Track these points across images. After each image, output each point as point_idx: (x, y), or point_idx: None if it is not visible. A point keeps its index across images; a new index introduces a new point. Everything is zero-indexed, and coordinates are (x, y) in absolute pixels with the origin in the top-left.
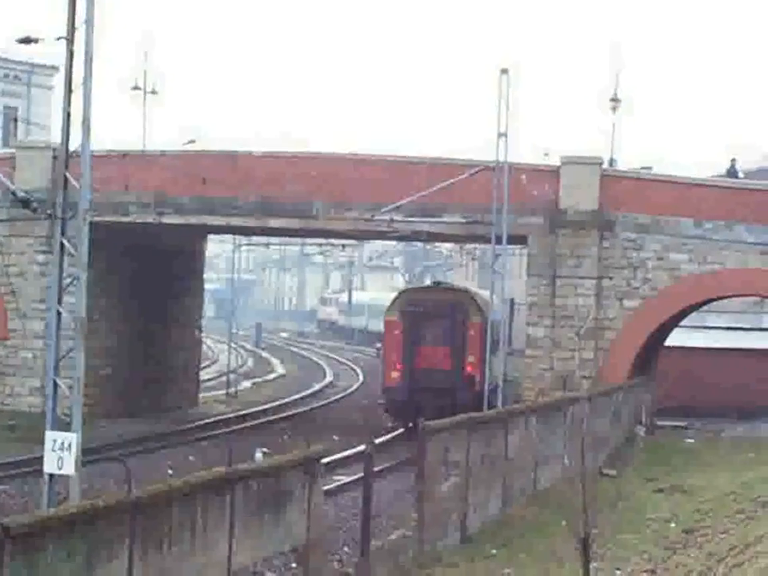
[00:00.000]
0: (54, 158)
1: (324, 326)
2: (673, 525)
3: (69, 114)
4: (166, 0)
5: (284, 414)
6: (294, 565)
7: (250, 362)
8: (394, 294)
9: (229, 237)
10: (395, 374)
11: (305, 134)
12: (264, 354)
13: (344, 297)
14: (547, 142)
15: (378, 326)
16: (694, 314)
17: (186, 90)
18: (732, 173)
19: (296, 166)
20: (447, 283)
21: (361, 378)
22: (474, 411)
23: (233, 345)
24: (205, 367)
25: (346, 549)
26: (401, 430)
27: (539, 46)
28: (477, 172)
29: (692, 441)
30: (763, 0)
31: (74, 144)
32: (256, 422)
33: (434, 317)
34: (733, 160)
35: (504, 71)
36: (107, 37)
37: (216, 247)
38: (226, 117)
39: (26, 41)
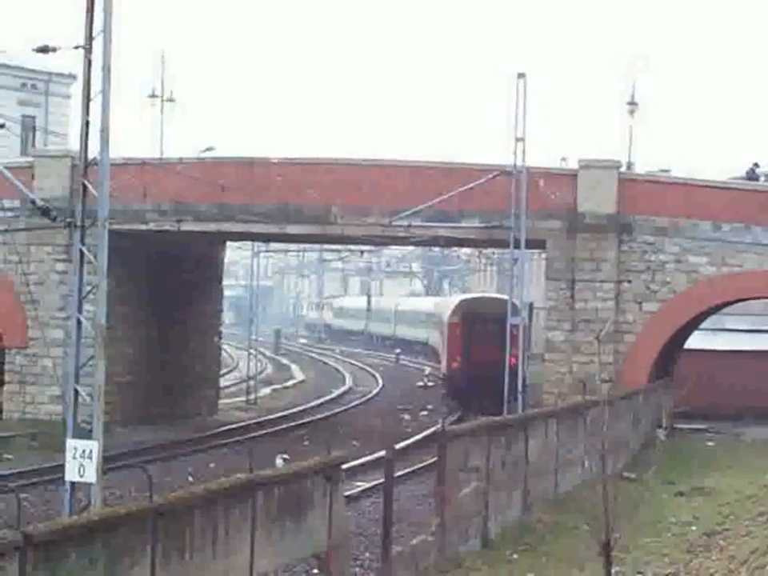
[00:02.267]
0: (73, 166)
1: (313, 329)
2: (694, 528)
3: (87, 123)
4: (181, 11)
5: (304, 420)
6: (315, 571)
7: (270, 369)
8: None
9: (247, 243)
10: (455, 364)
11: (320, 142)
12: (284, 361)
13: (337, 301)
14: (564, 147)
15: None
16: (713, 317)
17: (202, 101)
18: (752, 176)
19: (313, 173)
20: (492, 294)
21: (381, 383)
22: (515, 397)
23: (252, 351)
24: (224, 374)
25: (367, 554)
26: (421, 435)
27: (555, 50)
28: (495, 176)
29: (712, 444)
30: None
31: (93, 152)
32: (276, 428)
33: (485, 320)
34: (755, 164)
35: (521, 75)
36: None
37: (235, 254)
38: (241, 126)
39: (44, 50)
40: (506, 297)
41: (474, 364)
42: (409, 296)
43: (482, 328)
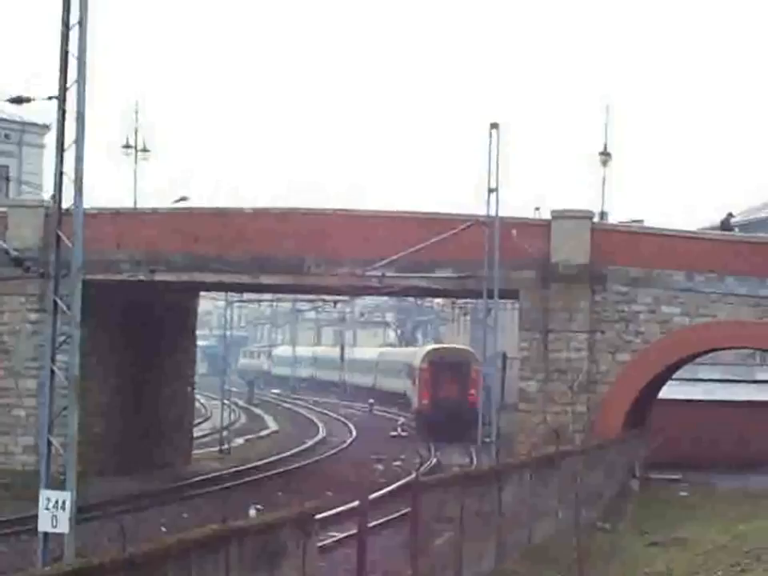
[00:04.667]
0: (46, 216)
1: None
2: None
3: (61, 173)
4: (155, 60)
5: (278, 471)
6: None
7: (243, 419)
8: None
9: (221, 293)
10: (425, 401)
11: (295, 190)
12: (257, 411)
13: (277, 350)
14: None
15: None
16: (686, 366)
17: (176, 150)
18: (727, 226)
19: (287, 223)
20: (456, 345)
21: (354, 433)
22: (471, 425)
23: (225, 401)
24: (198, 424)
25: None
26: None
27: (528, 101)
28: (468, 227)
29: (686, 494)
30: (751, 61)
31: (66, 202)
32: (250, 478)
33: (450, 366)
34: (729, 214)
35: (494, 126)
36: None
37: (208, 304)
38: (215, 175)
39: (18, 100)
40: (467, 347)
41: (439, 401)
42: (384, 346)
43: (446, 372)
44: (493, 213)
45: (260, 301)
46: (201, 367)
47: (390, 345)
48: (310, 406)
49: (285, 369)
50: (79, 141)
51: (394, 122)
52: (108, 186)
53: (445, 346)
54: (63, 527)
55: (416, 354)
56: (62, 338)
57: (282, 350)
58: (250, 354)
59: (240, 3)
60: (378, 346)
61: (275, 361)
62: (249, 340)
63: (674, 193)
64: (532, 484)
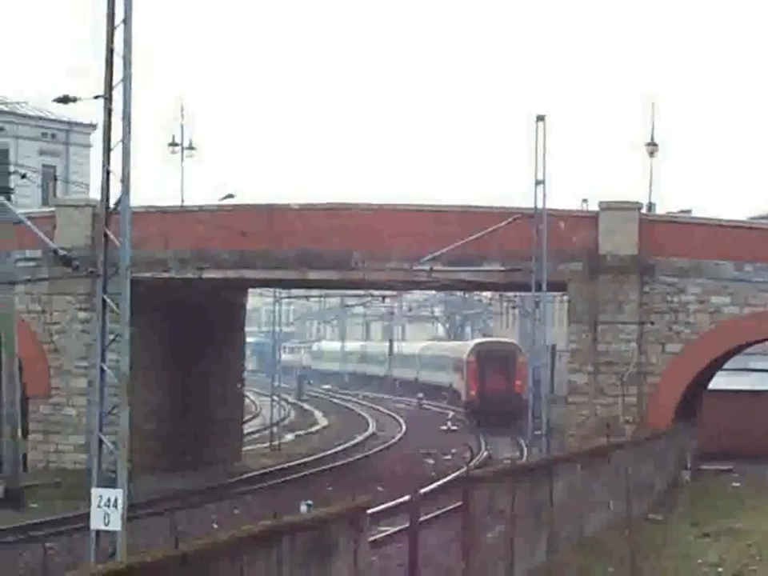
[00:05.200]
0: (94, 215)
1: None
2: (721, 570)
3: (108, 172)
4: (200, 58)
5: (328, 466)
6: None
7: (293, 415)
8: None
9: (269, 290)
10: (472, 393)
11: (341, 185)
12: (306, 406)
13: (316, 345)
14: (584, 188)
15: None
16: (737, 357)
17: (222, 147)
18: None
19: (334, 218)
20: (502, 339)
21: (404, 428)
22: (519, 416)
23: (275, 397)
24: (248, 420)
25: None
26: (446, 480)
27: (572, 92)
28: (515, 220)
29: (737, 484)
30: None
31: (114, 201)
32: (300, 474)
33: (495, 359)
34: None
35: (540, 118)
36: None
37: (256, 300)
38: (262, 171)
39: (64, 100)
40: (512, 340)
41: (486, 392)
42: (431, 340)
43: (493, 365)
44: (540, 205)
45: (308, 297)
46: (249, 363)
47: (438, 339)
48: (360, 401)
49: (324, 364)
50: (125, 139)
51: (435, 115)
52: (155, 184)
53: (491, 339)
54: (115, 525)
55: (459, 348)
56: (111, 337)
57: (321, 346)
58: (290, 350)
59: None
60: (426, 340)
61: (314, 356)
62: (297, 336)
63: (723, 182)
64: (583, 476)
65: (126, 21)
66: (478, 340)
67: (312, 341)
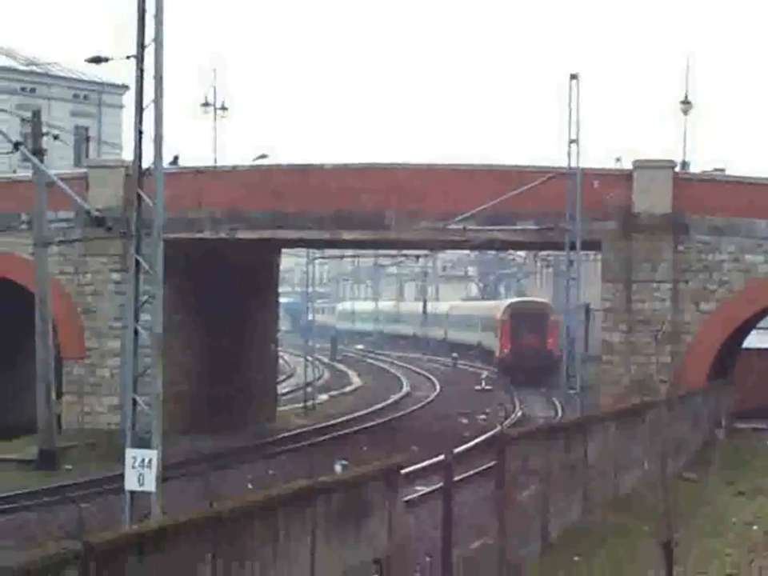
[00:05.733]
0: (127, 176)
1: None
2: (756, 528)
3: (141, 133)
4: (232, 18)
5: (362, 426)
6: None
7: (327, 375)
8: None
9: (302, 250)
10: (506, 351)
11: (373, 146)
12: (341, 367)
13: (340, 305)
14: (617, 147)
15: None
16: None
17: (255, 107)
18: None
19: (367, 178)
20: (534, 298)
21: (438, 387)
22: (551, 372)
23: (309, 358)
24: (282, 381)
25: (427, 559)
26: (480, 439)
27: (606, 50)
28: (549, 178)
29: None
30: None
31: (146, 162)
32: (335, 434)
33: (528, 318)
34: None
35: (573, 77)
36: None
37: (290, 261)
38: (295, 132)
39: (96, 60)
40: (545, 299)
41: (520, 350)
42: (465, 300)
43: (526, 323)
44: (573, 164)
45: (342, 257)
46: (283, 324)
47: (472, 299)
48: (394, 361)
49: (349, 324)
50: (158, 100)
51: (469, 75)
52: (188, 145)
53: (524, 298)
54: (149, 485)
55: (490, 307)
56: (144, 298)
57: (346, 306)
58: (323, 311)
59: None
60: (459, 300)
61: (339, 316)
62: (330, 296)
63: (757, 141)
64: (617, 435)
65: None
66: (511, 300)
67: (342, 301)
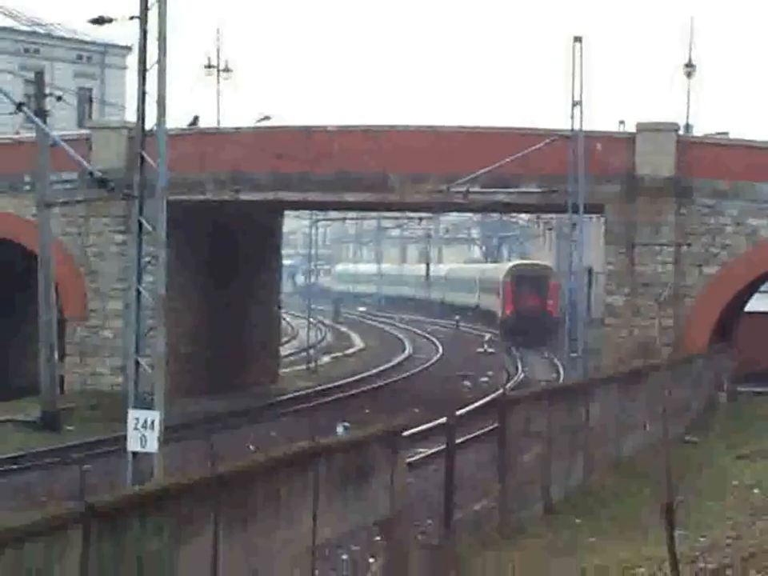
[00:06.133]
0: (130, 137)
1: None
2: (757, 491)
3: (144, 94)
4: None
5: (365, 388)
6: (377, 538)
7: (330, 337)
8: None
9: (305, 212)
10: (508, 311)
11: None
12: (343, 329)
13: (337, 267)
14: (621, 111)
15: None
16: None
17: (258, 72)
18: None
19: (370, 140)
20: (535, 261)
21: (440, 350)
22: (551, 333)
23: (312, 320)
24: (284, 343)
25: (429, 521)
26: (482, 401)
27: (610, 14)
28: (552, 141)
29: None
30: None
31: (149, 123)
32: (337, 396)
33: (529, 280)
34: None
35: (577, 39)
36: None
37: (293, 223)
38: (298, 97)
39: (99, 21)
40: (546, 263)
41: (521, 311)
42: (468, 262)
43: (527, 286)
44: (577, 126)
45: (345, 219)
46: (286, 286)
47: (474, 261)
48: (396, 324)
49: (345, 285)
50: (161, 61)
51: (472, 37)
52: (191, 107)
53: (525, 261)
54: (152, 447)
55: (490, 270)
56: (147, 259)
57: (342, 268)
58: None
59: None
60: (462, 263)
61: (336, 278)
62: (334, 259)
63: (761, 105)
64: (619, 398)
65: None
66: (513, 263)
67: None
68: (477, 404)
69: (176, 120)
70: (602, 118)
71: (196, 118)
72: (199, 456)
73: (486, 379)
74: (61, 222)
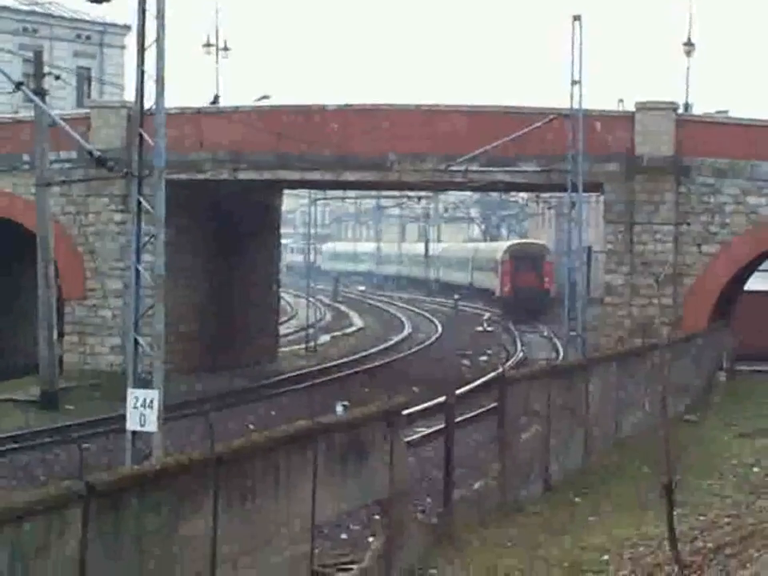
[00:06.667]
0: (129, 116)
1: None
2: (756, 470)
3: (143, 72)
4: None
5: (364, 367)
6: (377, 517)
7: (329, 316)
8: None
9: (304, 191)
10: (506, 289)
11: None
12: (342, 308)
13: (324, 246)
14: (620, 89)
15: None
16: None
17: (257, 48)
18: None
19: (370, 119)
20: (532, 240)
21: (440, 329)
22: (547, 310)
23: (311, 299)
24: (284, 322)
25: (429, 499)
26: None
27: None
28: (551, 120)
29: None
30: None
31: (148, 102)
32: (336, 375)
33: (526, 258)
34: None
35: (576, 18)
36: None
37: (292, 202)
38: (297, 77)
39: (98, 0)
40: (542, 242)
41: (518, 289)
42: (466, 241)
43: (524, 264)
44: (576, 105)
45: (344, 198)
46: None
47: (473, 240)
48: (395, 303)
49: (332, 264)
50: (160, 40)
51: (471, 16)
52: (190, 85)
53: (522, 240)
54: (151, 426)
55: (497, 248)
56: (146, 238)
57: (329, 247)
58: (300, 251)
59: None
60: (461, 241)
61: (324, 257)
62: (332, 238)
63: (761, 83)
64: (619, 377)
65: None
66: (510, 242)
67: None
68: (476, 383)
69: (175, 99)
70: (601, 97)
71: (216, 97)
72: (199, 435)
73: (485, 358)
74: (60, 202)
